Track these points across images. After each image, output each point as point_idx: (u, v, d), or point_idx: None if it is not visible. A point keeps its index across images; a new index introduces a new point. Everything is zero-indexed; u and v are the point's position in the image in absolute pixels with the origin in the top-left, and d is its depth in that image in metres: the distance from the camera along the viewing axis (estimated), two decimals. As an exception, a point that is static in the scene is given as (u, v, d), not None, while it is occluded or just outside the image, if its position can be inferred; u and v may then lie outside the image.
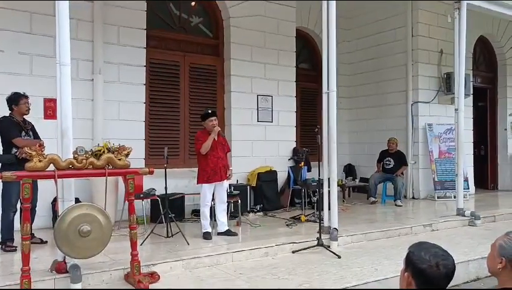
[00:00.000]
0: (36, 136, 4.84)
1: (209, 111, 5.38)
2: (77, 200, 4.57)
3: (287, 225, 6.02)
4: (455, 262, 1.60)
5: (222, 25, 7.68)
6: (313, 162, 7.09)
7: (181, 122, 7.27)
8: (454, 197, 7.29)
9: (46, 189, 4.69)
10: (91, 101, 6.18)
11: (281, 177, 7.75)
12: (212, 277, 4.00)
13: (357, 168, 9.65)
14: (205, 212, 5.24)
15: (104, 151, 3.82)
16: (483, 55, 10.61)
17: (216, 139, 5.25)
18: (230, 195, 5.81)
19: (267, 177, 7.47)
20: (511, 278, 1.78)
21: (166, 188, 5.26)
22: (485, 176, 10.62)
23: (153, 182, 5.83)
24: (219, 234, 5.32)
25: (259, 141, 7.70)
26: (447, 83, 8.74)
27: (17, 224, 4.39)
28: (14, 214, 4.58)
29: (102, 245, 3.60)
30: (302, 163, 7.26)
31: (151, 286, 3.68)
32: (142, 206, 5.84)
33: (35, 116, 5.46)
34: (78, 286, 3.53)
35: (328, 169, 5.32)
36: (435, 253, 1.57)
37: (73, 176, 3.71)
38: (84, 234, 3.42)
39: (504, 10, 7.32)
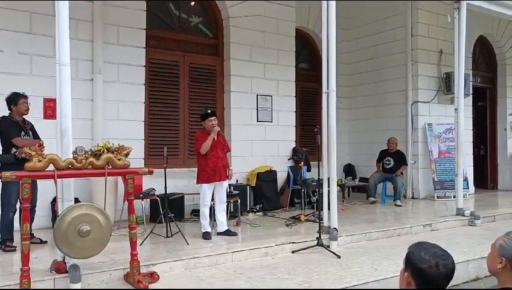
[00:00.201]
0: (36, 136, 4.84)
1: (209, 111, 5.38)
2: (77, 200, 4.57)
3: (286, 224, 6.02)
4: (455, 262, 1.60)
5: (222, 25, 7.68)
6: (313, 162, 7.10)
7: (181, 122, 7.27)
8: (454, 197, 7.29)
9: (45, 189, 4.69)
10: (91, 101, 6.18)
11: (281, 177, 7.75)
12: (212, 277, 4.00)
13: (357, 168, 9.65)
14: (205, 212, 5.23)
15: (103, 151, 3.82)
16: (483, 55, 10.61)
17: (216, 139, 5.24)
18: (229, 195, 5.81)
19: (267, 177, 7.47)
20: (510, 278, 1.78)
21: (165, 188, 5.26)
22: (485, 176, 10.62)
23: (153, 182, 5.82)
24: (219, 234, 5.32)
25: (258, 140, 7.70)
26: (446, 83, 8.74)
27: (16, 224, 4.38)
28: (14, 214, 4.58)
29: (102, 245, 3.60)
30: (302, 163, 7.26)
31: (150, 286, 3.68)
32: (142, 206, 5.84)
33: (34, 116, 5.46)
34: (78, 286, 3.53)
35: (327, 169, 5.32)
36: (434, 253, 1.57)
37: (73, 176, 3.71)
38: (83, 234, 3.42)
39: (504, 10, 7.32)
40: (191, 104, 7.32)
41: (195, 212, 6.30)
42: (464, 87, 7.00)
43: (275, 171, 7.66)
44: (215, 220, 5.40)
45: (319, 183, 5.41)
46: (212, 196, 5.30)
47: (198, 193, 5.42)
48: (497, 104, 10.61)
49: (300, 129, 8.70)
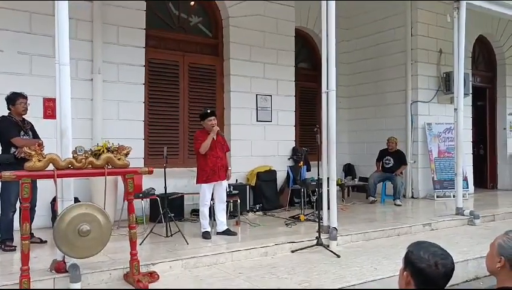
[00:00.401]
0: (35, 135, 4.84)
1: (208, 111, 5.38)
2: (76, 200, 4.58)
3: (286, 224, 6.02)
4: (454, 261, 1.60)
5: (221, 25, 7.68)
6: (312, 161, 7.12)
7: (180, 122, 7.27)
8: (454, 196, 7.29)
9: (45, 189, 4.69)
10: (90, 100, 6.18)
11: (280, 177, 7.76)
12: (212, 277, 4.01)
13: (357, 167, 9.66)
14: (204, 211, 5.24)
15: (103, 151, 3.83)
16: (483, 54, 10.62)
17: (215, 138, 5.25)
18: (229, 194, 5.81)
19: (267, 176, 7.48)
20: (509, 277, 1.78)
21: (165, 187, 5.26)
22: (485, 176, 10.62)
23: (153, 182, 5.83)
24: (218, 233, 5.33)
25: (258, 140, 7.70)
26: (446, 83, 8.75)
27: (16, 224, 4.38)
28: (14, 214, 4.58)
29: (102, 245, 3.60)
30: (302, 162, 7.26)
31: (150, 286, 3.68)
32: (142, 205, 5.84)
33: (34, 115, 5.46)
34: (78, 285, 3.53)
35: (327, 168, 5.32)
36: (433, 252, 1.58)
37: (73, 176, 3.71)
38: (83, 234, 3.43)
39: (503, 10, 7.32)
40: (191, 103, 7.32)
41: (195, 212, 6.30)
42: (464, 87, 7.00)
43: (275, 170, 7.67)
44: (214, 220, 5.40)
45: (319, 182, 5.41)
46: (212, 195, 5.30)
47: (198, 193, 5.42)
48: (497, 103, 10.61)
49: (300, 129, 8.70)
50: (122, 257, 4.06)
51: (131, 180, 3.85)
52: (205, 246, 4.76)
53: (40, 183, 4.52)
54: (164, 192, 5.28)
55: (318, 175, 5.38)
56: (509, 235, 1.84)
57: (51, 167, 3.48)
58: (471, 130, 9.61)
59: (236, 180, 7.09)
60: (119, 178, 5.29)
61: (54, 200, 4.63)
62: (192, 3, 7.54)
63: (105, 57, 6.27)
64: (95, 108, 6.19)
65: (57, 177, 3.49)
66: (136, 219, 3.95)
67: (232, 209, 6.26)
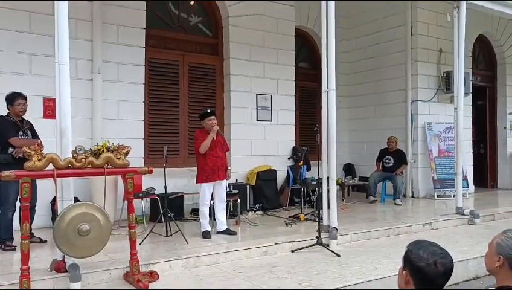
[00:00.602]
0: (35, 135, 4.83)
1: (208, 110, 5.38)
2: (76, 200, 4.58)
3: (286, 224, 6.02)
4: (454, 260, 1.60)
5: (221, 24, 7.68)
6: (313, 161, 7.11)
7: (180, 122, 7.27)
8: (454, 195, 7.29)
9: (45, 188, 4.69)
10: (90, 100, 6.18)
11: (281, 176, 7.76)
12: (211, 276, 4.01)
13: (357, 167, 9.66)
14: (204, 211, 5.24)
15: (103, 151, 3.84)
16: (483, 53, 10.61)
17: (215, 138, 5.25)
18: (229, 194, 5.81)
19: (267, 176, 7.48)
20: (508, 276, 1.78)
21: (165, 187, 5.26)
22: (485, 175, 10.62)
23: (152, 181, 5.82)
24: (218, 233, 5.33)
25: (258, 140, 7.70)
26: (446, 82, 8.74)
27: (16, 223, 4.39)
28: (13, 214, 4.58)
29: (102, 244, 3.60)
30: (302, 162, 7.25)
31: (150, 285, 3.68)
32: (142, 205, 5.84)
33: (34, 115, 5.49)
34: (78, 285, 3.53)
35: (327, 168, 5.32)
36: (432, 251, 1.58)
37: (73, 175, 3.71)
38: (83, 233, 3.43)
39: (503, 9, 7.31)
40: (191, 103, 7.32)
41: (195, 212, 6.31)
42: (464, 86, 6.99)
43: (275, 170, 7.67)
44: (214, 219, 5.40)
45: (319, 182, 5.41)
46: (212, 195, 5.30)
47: (198, 192, 5.42)
48: (497, 102, 10.61)
49: (300, 128, 8.69)
50: (122, 256, 4.06)
51: (131, 179, 3.85)
52: (205, 246, 4.76)
53: (39, 183, 4.53)
54: (164, 191, 5.28)
55: (318, 174, 5.38)
56: (507, 234, 1.84)
57: (50, 166, 3.48)
58: (471, 130, 9.61)
59: (236, 179, 7.09)
60: (119, 178, 5.28)
61: (54, 199, 4.63)
62: (192, 2, 7.54)
63: (105, 57, 6.27)
64: (95, 108, 6.19)
65: (57, 177, 3.49)
66: (136, 218, 3.95)
67: (232, 209, 6.25)
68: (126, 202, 3.96)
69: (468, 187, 8.87)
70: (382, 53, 9.22)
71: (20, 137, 4.64)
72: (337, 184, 6.66)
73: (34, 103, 5.64)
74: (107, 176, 3.70)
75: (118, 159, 3.76)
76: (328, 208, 5.30)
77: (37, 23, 5.74)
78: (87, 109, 6.14)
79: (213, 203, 5.34)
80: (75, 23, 5.81)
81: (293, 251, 4.82)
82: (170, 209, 5.39)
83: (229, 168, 5.57)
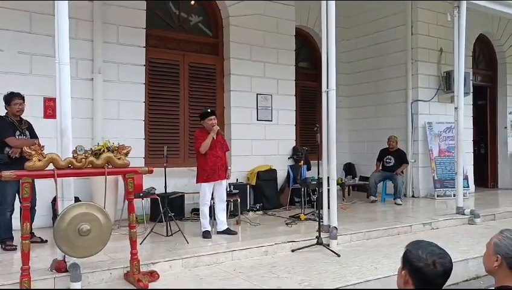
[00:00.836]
0: (33, 135, 4.82)
1: (209, 110, 5.38)
2: (77, 200, 4.58)
3: (286, 223, 6.02)
4: (454, 260, 1.61)
5: (221, 24, 7.68)
6: (313, 160, 7.09)
7: (181, 122, 7.28)
8: (454, 195, 7.29)
9: (45, 188, 4.69)
10: (91, 100, 6.19)
11: (281, 176, 7.76)
12: (212, 276, 4.01)
13: (357, 166, 9.65)
14: (205, 211, 5.24)
15: (103, 151, 3.83)
16: (483, 53, 10.60)
17: (215, 138, 5.25)
18: (229, 194, 5.81)
19: (267, 176, 7.48)
20: (507, 275, 1.78)
21: (165, 187, 5.26)
22: (485, 175, 10.61)
23: (153, 181, 5.83)
24: (219, 232, 5.33)
25: (258, 139, 7.71)
26: (446, 82, 8.74)
27: (17, 223, 4.40)
28: (11, 214, 4.58)
29: (102, 244, 3.61)
30: (302, 162, 7.26)
31: (150, 285, 3.69)
32: (142, 205, 5.84)
33: (35, 115, 5.50)
34: (78, 285, 3.54)
35: (327, 168, 5.32)
36: (431, 251, 1.58)
37: (73, 175, 3.72)
38: (83, 233, 3.43)
39: (504, 8, 7.31)
40: (191, 103, 7.33)
41: (195, 211, 6.31)
42: (464, 86, 6.99)
43: (275, 170, 7.67)
44: (215, 219, 5.40)
45: (319, 182, 5.41)
46: (212, 195, 5.30)
47: (198, 192, 5.43)
48: (498, 102, 10.60)
49: (300, 128, 8.69)
50: (122, 256, 4.07)
51: (132, 179, 3.86)
52: (205, 246, 4.77)
53: (40, 183, 4.52)
54: (164, 191, 5.29)
55: (318, 174, 5.38)
56: (504, 233, 1.84)
57: (51, 166, 3.48)
58: (472, 129, 9.61)
59: (237, 179, 7.09)
60: (120, 177, 5.28)
61: (55, 199, 4.64)
62: (193, 2, 7.54)
63: (105, 57, 6.27)
64: (95, 107, 6.19)
65: (57, 177, 3.49)
66: (136, 218, 3.95)
67: (232, 209, 6.26)
68: (126, 201, 3.96)
69: (468, 187, 8.87)
70: (382, 53, 9.22)
71: (17, 137, 4.63)
72: (338, 184, 6.66)
73: (34, 102, 5.66)
74: (107, 176, 3.70)
75: (119, 159, 3.76)
76: (328, 207, 5.30)
77: (37, 23, 5.75)
78: (87, 109, 6.14)
79: (213, 203, 5.35)
80: (75, 23, 5.82)
81: (293, 251, 4.82)
82: (170, 209, 5.39)
83: (229, 168, 5.57)
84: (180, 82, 7.29)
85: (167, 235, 5.13)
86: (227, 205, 5.76)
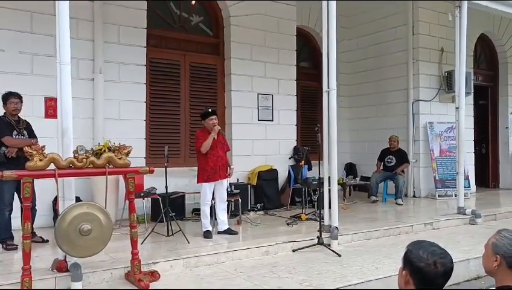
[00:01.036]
0: (31, 135, 4.80)
1: (209, 110, 5.38)
2: (78, 199, 4.58)
3: (287, 223, 6.02)
4: (455, 260, 1.60)
5: (222, 24, 7.68)
6: (314, 160, 7.08)
7: (181, 121, 7.28)
8: (455, 195, 7.28)
9: (46, 188, 4.68)
10: (91, 100, 6.20)
11: (282, 176, 7.76)
12: (212, 276, 4.01)
13: (358, 166, 9.65)
14: (205, 211, 5.24)
15: (104, 151, 3.83)
16: (484, 53, 10.59)
17: (216, 138, 5.25)
18: (230, 194, 5.81)
19: (268, 176, 7.48)
20: (507, 274, 1.78)
21: (166, 187, 5.27)
22: (486, 175, 10.61)
23: (154, 181, 5.83)
24: (219, 232, 5.33)
25: (259, 139, 7.71)
26: (447, 81, 8.73)
27: (18, 223, 4.40)
28: (10, 214, 4.58)
29: (103, 244, 3.61)
30: (303, 162, 7.25)
31: (151, 285, 3.69)
32: (143, 205, 5.85)
33: (36, 115, 5.52)
34: (79, 284, 3.54)
35: (328, 168, 5.32)
36: (432, 251, 1.58)
37: (74, 175, 3.72)
38: (84, 233, 3.43)
39: (505, 8, 7.30)
40: (192, 103, 7.33)
41: (196, 211, 6.31)
42: (465, 86, 6.99)
43: (276, 170, 7.67)
44: (216, 219, 5.40)
45: (320, 182, 5.41)
46: (213, 194, 5.30)
47: (199, 192, 5.43)
48: (499, 102, 10.58)
49: (301, 128, 8.69)
50: (123, 256, 4.07)
51: (133, 179, 3.86)
52: (206, 246, 4.77)
53: (41, 183, 4.50)
54: (165, 191, 5.29)
55: (319, 174, 5.38)
56: (501, 233, 1.84)
57: (52, 166, 3.49)
58: (473, 129, 9.60)
59: (238, 179, 7.09)
60: (121, 177, 5.28)
61: (56, 199, 4.64)
62: (193, 2, 7.54)
63: (106, 57, 6.28)
64: (96, 107, 6.20)
65: (58, 177, 3.49)
66: (137, 218, 3.96)
67: (233, 209, 6.26)
68: (127, 201, 3.96)
69: (469, 187, 8.86)
70: (383, 52, 9.21)
71: (14, 137, 4.63)
72: (339, 184, 6.65)
73: (35, 102, 5.67)
74: (108, 176, 3.71)
75: (119, 159, 3.76)
76: (329, 207, 5.30)
77: (38, 23, 5.76)
78: (88, 109, 6.15)
79: (214, 202, 5.35)
80: (76, 23, 5.82)
81: (294, 251, 4.82)
82: (171, 209, 5.39)
83: (232, 167, 5.57)
84: (181, 82, 7.29)
85: (168, 235, 5.13)
86: (228, 205, 5.76)
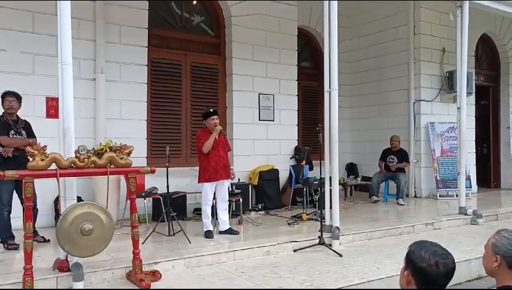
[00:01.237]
0: (30, 135, 4.77)
1: (211, 110, 5.39)
2: (79, 199, 4.58)
3: (288, 223, 6.02)
4: (457, 261, 1.60)
5: (224, 24, 7.68)
6: (315, 160, 7.11)
7: (183, 121, 7.28)
8: (457, 195, 7.27)
9: (48, 188, 4.69)
10: (93, 100, 6.20)
11: (283, 176, 7.76)
12: (214, 276, 4.01)
13: (359, 166, 9.64)
14: (207, 210, 5.24)
15: (106, 150, 3.84)
16: (486, 53, 10.57)
17: (217, 138, 5.25)
18: (231, 194, 5.81)
19: (269, 176, 7.48)
20: (507, 274, 1.78)
21: (168, 186, 5.27)
22: (488, 175, 10.59)
23: (155, 181, 5.84)
24: (221, 232, 5.33)
25: (260, 139, 7.71)
26: (449, 82, 8.72)
27: (19, 222, 4.40)
28: (8, 213, 4.57)
29: (104, 244, 3.61)
30: (304, 162, 7.24)
31: (152, 285, 3.69)
32: (144, 205, 5.85)
33: (37, 115, 5.54)
34: (80, 284, 3.55)
35: (329, 168, 5.32)
36: (434, 252, 1.58)
37: (75, 175, 3.73)
38: (86, 233, 3.44)
39: (507, 8, 7.29)
40: (193, 103, 7.33)
41: (198, 211, 6.32)
42: (467, 86, 6.97)
43: (277, 170, 7.67)
44: (217, 219, 5.41)
45: (321, 182, 5.41)
46: (214, 194, 5.30)
47: (200, 192, 5.43)
48: (500, 102, 10.57)
49: (302, 128, 8.68)
50: (124, 255, 4.08)
51: (134, 179, 3.86)
52: (207, 245, 4.77)
53: (43, 182, 4.50)
54: (166, 191, 5.29)
55: (320, 174, 5.38)
56: (501, 233, 1.84)
57: (53, 166, 3.49)
58: (474, 129, 9.58)
59: (239, 179, 7.08)
60: (122, 177, 5.29)
61: (57, 199, 4.64)
62: (195, 2, 7.54)
63: (107, 57, 6.28)
64: (98, 107, 6.20)
65: (60, 177, 3.50)
66: (138, 218, 3.96)
67: (234, 209, 6.27)
68: (129, 201, 3.97)
69: (471, 187, 8.85)
70: (384, 52, 9.21)
71: (11, 136, 4.61)
72: (340, 184, 6.65)
73: (37, 102, 5.69)
74: (109, 176, 3.71)
75: (121, 158, 3.77)
76: (331, 207, 5.30)
77: (39, 23, 5.76)
78: (90, 109, 6.15)
79: (215, 202, 5.35)
80: (77, 23, 5.83)
81: (295, 251, 4.82)
82: (172, 209, 5.39)
83: (232, 167, 5.57)
84: (182, 82, 7.29)
85: (169, 235, 5.13)
86: (229, 204, 5.75)
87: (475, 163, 9.55)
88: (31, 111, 5.38)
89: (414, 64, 8.71)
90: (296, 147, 8.15)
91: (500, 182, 10.59)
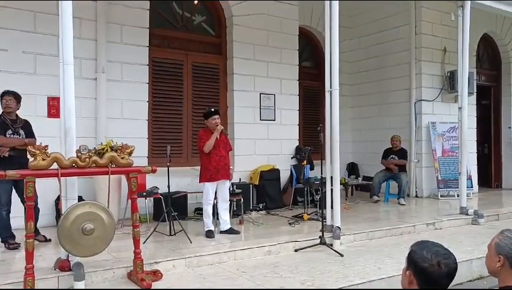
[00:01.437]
0: (29, 135, 4.75)
1: (212, 110, 5.39)
2: (80, 199, 4.58)
3: (289, 223, 6.02)
4: (458, 261, 1.60)
5: (225, 24, 7.67)
6: (316, 160, 7.10)
7: (184, 121, 7.29)
8: (458, 195, 7.27)
9: (49, 187, 4.69)
10: (94, 99, 6.20)
11: (284, 176, 7.75)
12: (215, 275, 4.01)
13: (360, 166, 9.64)
14: (208, 210, 5.25)
15: (107, 150, 3.85)
16: (487, 53, 10.56)
17: (219, 138, 5.25)
18: (232, 193, 5.81)
19: (270, 175, 7.48)
20: (510, 274, 1.77)
21: (169, 186, 5.27)
22: (489, 175, 10.58)
23: (156, 181, 5.84)
24: (222, 232, 5.33)
25: (261, 139, 7.71)
26: (450, 81, 8.71)
27: (20, 222, 4.40)
28: (7, 213, 4.57)
29: (105, 243, 3.61)
30: (305, 161, 7.25)
31: (153, 285, 3.69)
32: (145, 204, 5.85)
33: (39, 114, 5.53)
34: (82, 284, 3.55)
35: (330, 167, 5.32)
36: (436, 252, 1.58)
37: (77, 175, 3.73)
38: (87, 232, 3.44)
39: (508, 8, 7.28)
40: (195, 102, 7.33)
41: (199, 211, 6.32)
42: (468, 86, 6.97)
43: (278, 169, 7.66)
44: (218, 219, 5.41)
45: (322, 182, 5.40)
46: (215, 194, 5.30)
47: (201, 192, 5.43)
48: (501, 102, 10.54)
49: (303, 128, 8.68)
50: (125, 255, 4.08)
51: (135, 179, 3.86)
52: (208, 245, 4.77)
53: (44, 182, 4.50)
54: (167, 191, 5.30)
55: (321, 174, 5.37)
56: (504, 233, 1.84)
57: (55, 165, 3.49)
58: (476, 129, 9.57)
59: (240, 179, 7.09)
60: (123, 177, 5.29)
61: (58, 199, 4.65)
62: (196, 2, 7.54)
63: (109, 56, 6.29)
64: (99, 107, 6.21)
65: (61, 176, 3.50)
66: (139, 217, 3.96)
67: (235, 208, 6.27)
68: (130, 201, 3.97)
69: (472, 187, 8.84)
70: (386, 52, 9.20)
71: (9, 136, 4.60)
72: (341, 184, 6.64)
73: (38, 102, 5.69)
74: (110, 175, 3.71)
75: (122, 158, 3.77)
76: (332, 207, 5.30)
77: (41, 23, 5.77)
78: (91, 108, 6.16)
79: (216, 202, 5.35)
80: (79, 23, 5.83)
81: (296, 251, 4.82)
82: (173, 209, 5.39)
83: (231, 167, 5.57)
84: (183, 81, 7.29)
85: (170, 235, 5.13)
86: (230, 204, 5.76)
87: (476, 163, 9.54)
88: (32, 111, 5.39)
89: (415, 64, 8.70)
90: (297, 146, 8.14)
91: (501, 182, 10.58)
